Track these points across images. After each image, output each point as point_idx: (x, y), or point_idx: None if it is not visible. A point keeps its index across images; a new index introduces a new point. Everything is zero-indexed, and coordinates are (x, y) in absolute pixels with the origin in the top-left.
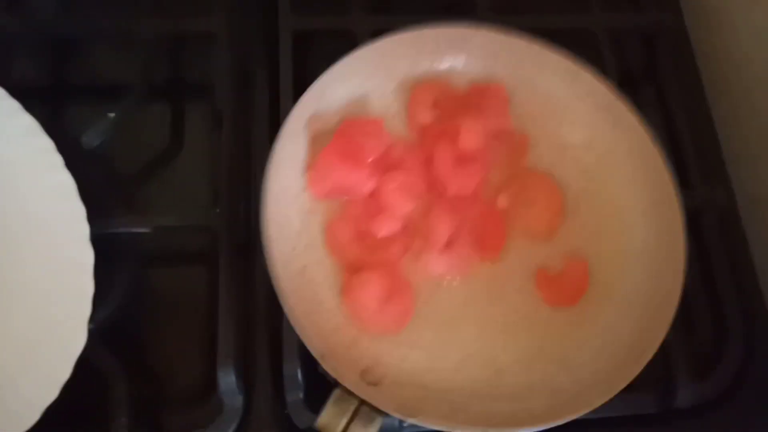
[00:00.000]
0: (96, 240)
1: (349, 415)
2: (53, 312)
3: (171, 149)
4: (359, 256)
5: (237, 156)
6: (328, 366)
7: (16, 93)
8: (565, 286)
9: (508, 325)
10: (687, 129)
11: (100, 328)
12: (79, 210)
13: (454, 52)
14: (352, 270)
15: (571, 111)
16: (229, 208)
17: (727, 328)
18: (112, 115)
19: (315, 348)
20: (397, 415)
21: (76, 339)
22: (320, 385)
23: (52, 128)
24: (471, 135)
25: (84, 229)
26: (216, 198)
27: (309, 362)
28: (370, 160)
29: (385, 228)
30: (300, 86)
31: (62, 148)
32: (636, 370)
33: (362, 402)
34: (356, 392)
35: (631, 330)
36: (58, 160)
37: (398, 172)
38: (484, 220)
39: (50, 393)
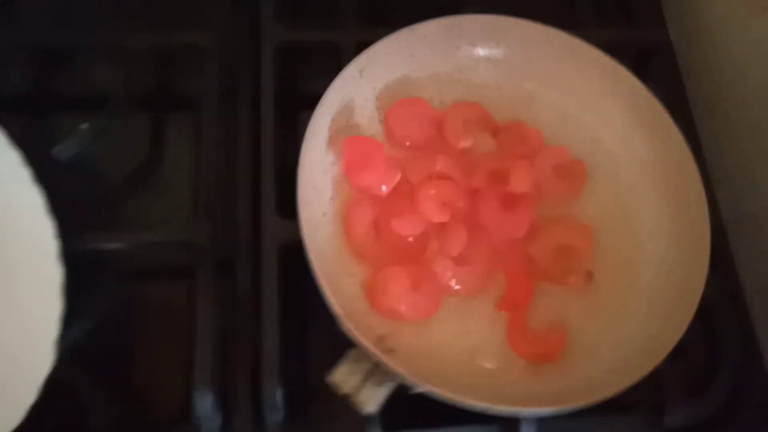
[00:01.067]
0: (73, 256)
1: (362, 375)
2: (19, 332)
3: (152, 161)
4: (374, 249)
5: (220, 168)
6: (348, 326)
7: None
8: (539, 346)
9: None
10: None
11: (74, 348)
12: (47, 226)
13: (492, 42)
14: (361, 257)
15: (605, 109)
16: (210, 222)
17: (718, 351)
18: (84, 126)
19: (337, 308)
20: (410, 382)
21: (43, 361)
22: (300, 408)
23: (29, 140)
24: (522, 178)
25: (52, 245)
26: (197, 212)
27: (289, 384)
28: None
29: (408, 229)
30: (283, 98)
31: (39, 161)
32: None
33: (376, 365)
34: (373, 354)
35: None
36: (25, 173)
37: (439, 182)
38: (515, 276)
39: (15, 417)
